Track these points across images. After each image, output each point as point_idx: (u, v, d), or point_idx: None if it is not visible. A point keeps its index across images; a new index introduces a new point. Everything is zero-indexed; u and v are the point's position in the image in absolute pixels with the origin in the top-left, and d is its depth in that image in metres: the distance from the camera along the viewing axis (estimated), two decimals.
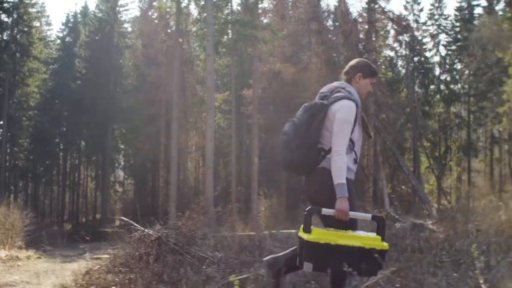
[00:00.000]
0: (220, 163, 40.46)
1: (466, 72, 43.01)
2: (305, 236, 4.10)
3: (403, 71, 41.71)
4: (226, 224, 19.78)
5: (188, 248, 8.03)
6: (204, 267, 7.24)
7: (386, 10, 31.65)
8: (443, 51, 44.05)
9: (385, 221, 4.33)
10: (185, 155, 38.89)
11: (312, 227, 4.13)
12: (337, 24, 35.28)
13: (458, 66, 44.04)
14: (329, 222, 4.25)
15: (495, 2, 43.79)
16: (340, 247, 3.99)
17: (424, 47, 42.61)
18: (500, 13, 39.22)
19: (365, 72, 4.66)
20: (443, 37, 44.34)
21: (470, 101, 42.61)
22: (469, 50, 40.95)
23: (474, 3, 44.12)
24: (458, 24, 43.82)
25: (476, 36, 39.78)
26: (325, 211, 4.18)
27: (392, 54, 41.33)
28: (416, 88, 41.62)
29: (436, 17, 44.00)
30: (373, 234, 4.22)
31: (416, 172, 36.38)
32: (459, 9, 44.13)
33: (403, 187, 37.80)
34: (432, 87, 42.62)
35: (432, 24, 43.95)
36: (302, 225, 4.20)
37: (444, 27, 44.11)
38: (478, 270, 3.94)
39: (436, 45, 43.79)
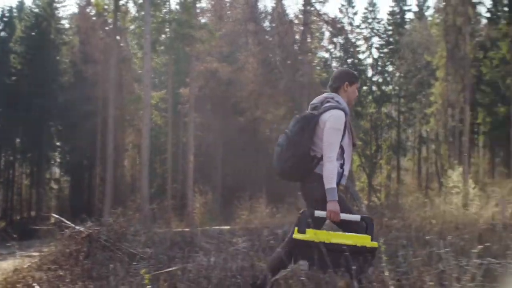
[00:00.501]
0: (156, 160, 40.21)
1: (397, 74, 44.06)
2: (300, 236, 4.31)
3: None
4: (161, 221, 19.73)
5: (119, 244, 8.04)
6: (135, 263, 7.27)
7: (321, 12, 32.09)
8: (375, 54, 44.97)
9: (373, 221, 4.58)
10: (121, 152, 38.38)
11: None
12: (273, 25, 35.50)
13: (390, 68, 45.01)
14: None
15: (425, 8, 45.11)
16: (333, 246, 4.19)
17: (358, 49, 43.39)
18: (429, 18, 40.46)
19: (351, 79, 4.91)
20: (375, 40, 45.21)
21: (400, 102, 43.71)
22: (400, 53, 41.99)
23: (406, 8, 45.23)
24: (390, 27, 44.80)
25: (407, 40, 40.84)
26: (318, 213, 4.41)
27: (326, 55, 41.98)
28: None
29: (370, 20, 44.92)
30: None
31: None
32: (391, 13, 45.09)
33: None
34: (364, 88, 43.36)
35: (366, 27, 44.86)
36: (296, 227, 4.41)
37: (377, 30, 45.04)
38: (384, 263, 4.14)
39: (369, 47, 44.67)
